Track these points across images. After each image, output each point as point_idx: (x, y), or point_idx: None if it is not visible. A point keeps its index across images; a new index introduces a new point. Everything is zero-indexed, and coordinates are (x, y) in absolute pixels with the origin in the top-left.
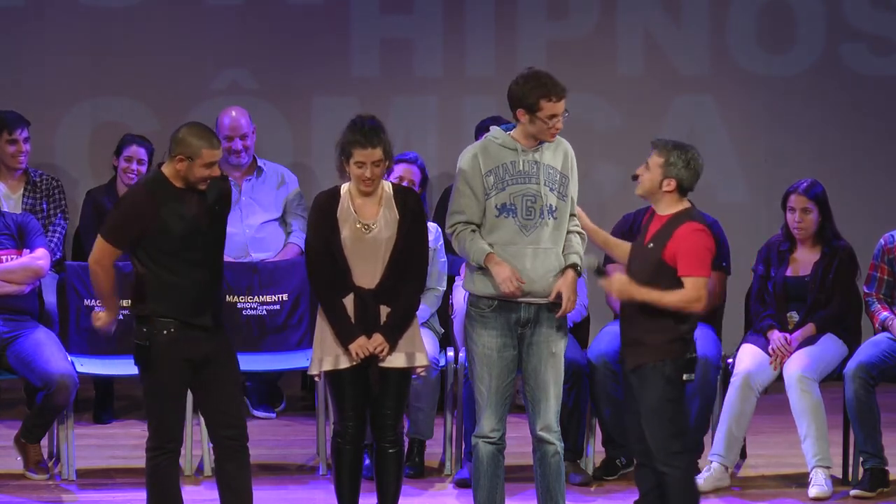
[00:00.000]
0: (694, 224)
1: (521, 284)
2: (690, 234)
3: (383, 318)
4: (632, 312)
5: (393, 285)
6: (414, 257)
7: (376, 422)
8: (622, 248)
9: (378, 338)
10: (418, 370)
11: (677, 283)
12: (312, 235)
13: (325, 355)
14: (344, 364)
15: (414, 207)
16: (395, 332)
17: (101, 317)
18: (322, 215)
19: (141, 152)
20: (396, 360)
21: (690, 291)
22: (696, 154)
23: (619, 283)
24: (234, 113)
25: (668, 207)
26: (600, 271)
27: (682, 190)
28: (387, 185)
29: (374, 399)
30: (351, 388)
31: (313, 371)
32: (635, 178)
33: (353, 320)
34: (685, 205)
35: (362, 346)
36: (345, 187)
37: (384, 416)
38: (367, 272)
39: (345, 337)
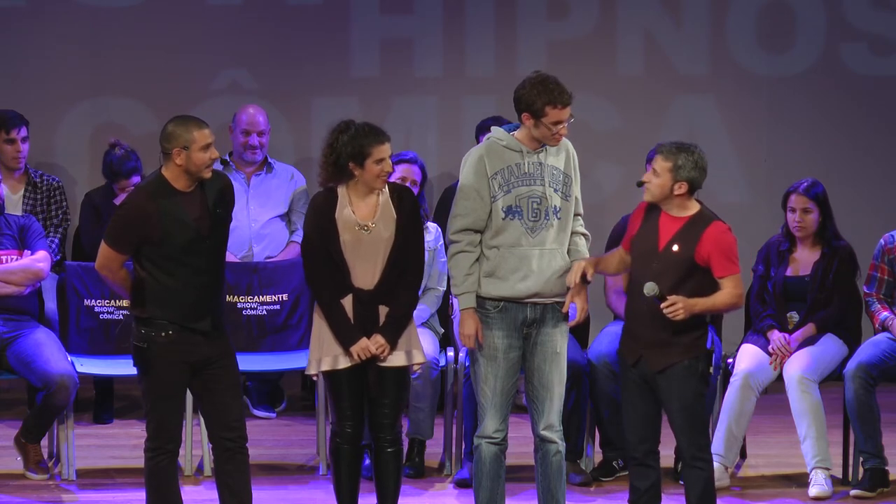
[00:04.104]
0: (720, 224)
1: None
2: (721, 236)
3: (381, 319)
4: (653, 315)
5: (391, 285)
6: (411, 255)
7: (375, 421)
8: (609, 261)
9: (379, 338)
10: (415, 367)
11: (708, 282)
12: (310, 237)
13: (323, 356)
14: (343, 364)
15: (410, 205)
16: (394, 332)
17: None
18: (320, 217)
19: (134, 181)
20: (396, 359)
21: (736, 289)
22: (702, 153)
23: (683, 303)
24: (251, 110)
25: (681, 209)
26: (662, 297)
27: (692, 190)
28: None
29: (371, 398)
30: (349, 389)
31: (311, 371)
32: (640, 184)
33: (351, 321)
34: (697, 205)
35: (364, 348)
36: (341, 188)
37: (383, 414)
38: (366, 272)
39: (345, 339)
